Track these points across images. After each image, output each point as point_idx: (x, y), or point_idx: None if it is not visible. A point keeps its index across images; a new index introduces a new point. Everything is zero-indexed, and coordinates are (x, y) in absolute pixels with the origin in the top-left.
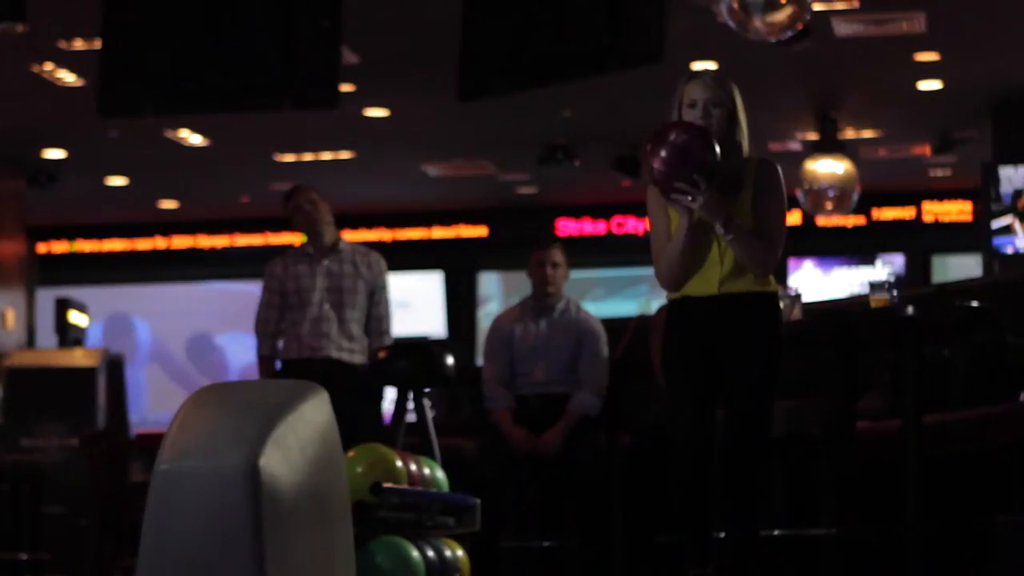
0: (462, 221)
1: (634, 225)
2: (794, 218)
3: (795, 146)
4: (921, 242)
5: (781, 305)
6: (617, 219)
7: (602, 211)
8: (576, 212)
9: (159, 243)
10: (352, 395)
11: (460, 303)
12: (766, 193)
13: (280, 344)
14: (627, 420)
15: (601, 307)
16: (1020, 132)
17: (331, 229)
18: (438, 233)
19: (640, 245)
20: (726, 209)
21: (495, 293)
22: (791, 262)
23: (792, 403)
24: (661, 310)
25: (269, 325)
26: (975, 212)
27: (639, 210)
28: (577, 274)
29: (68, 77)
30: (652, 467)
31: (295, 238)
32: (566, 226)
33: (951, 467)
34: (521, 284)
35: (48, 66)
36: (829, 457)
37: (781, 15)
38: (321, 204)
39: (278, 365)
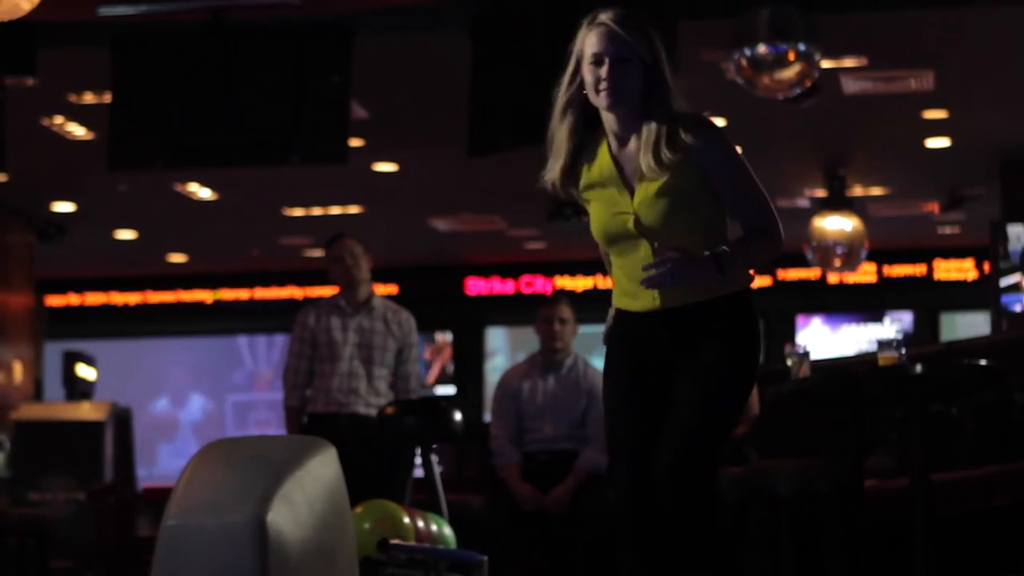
0: (470, 275)
1: None
2: (803, 274)
3: (803, 203)
4: (929, 299)
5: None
6: None
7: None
8: (585, 268)
9: (168, 296)
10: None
11: (468, 359)
12: (722, 164)
13: (308, 395)
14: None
15: None
16: None
17: (367, 285)
18: (446, 288)
19: None
20: (704, 262)
21: (501, 347)
22: (799, 319)
23: (800, 461)
24: None
25: (299, 376)
26: (983, 269)
27: None
28: (586, 328)
29: (78, 130)
30: None
31: (306, 291)
32: (573, 281)
33: (960, 526)
34: (527, 338)
35: (58, 119)
36: (837, 515)
37: (790, 72)
38: (363, 260)
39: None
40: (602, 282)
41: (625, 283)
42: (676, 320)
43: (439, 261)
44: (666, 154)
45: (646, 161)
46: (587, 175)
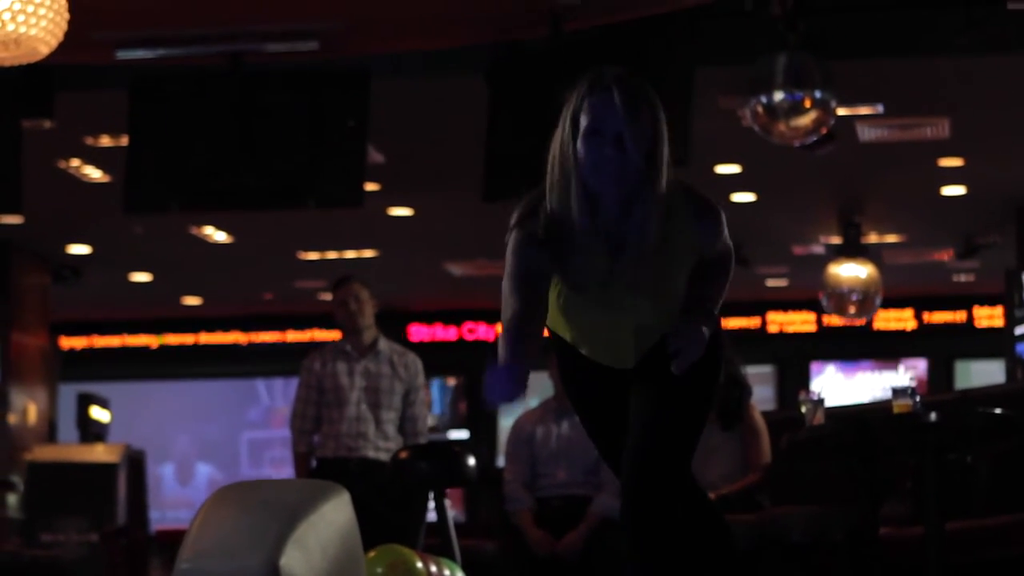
0: (484, 320)
1: None
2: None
3: (819, 250)
4: (944, 347)
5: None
6: None
7: None
8: None
9: (183, 339)
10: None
11: (482, 404)
12: (716, 244)
13: (316, 440)
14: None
15: None
16: None
17: (372, 330)
18: (461, 332)
19: None
20: (705, 320)
21: None
22: (814, 366)
23: (814, 508)
24: None
25: (307, 421)
26: (999, 317)
27: None
28: None
29: (94, 173)
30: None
31: (318, 335)
32: None
33: (974, 575)
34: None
35: (75, 162)
36: (851, 563)
37: (805, 119)
38: (367, 305)
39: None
40: None
41: (584, 339)
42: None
43: (451, 305)
44: (658, 232)
45: (641, 233)
46: (568, 245)
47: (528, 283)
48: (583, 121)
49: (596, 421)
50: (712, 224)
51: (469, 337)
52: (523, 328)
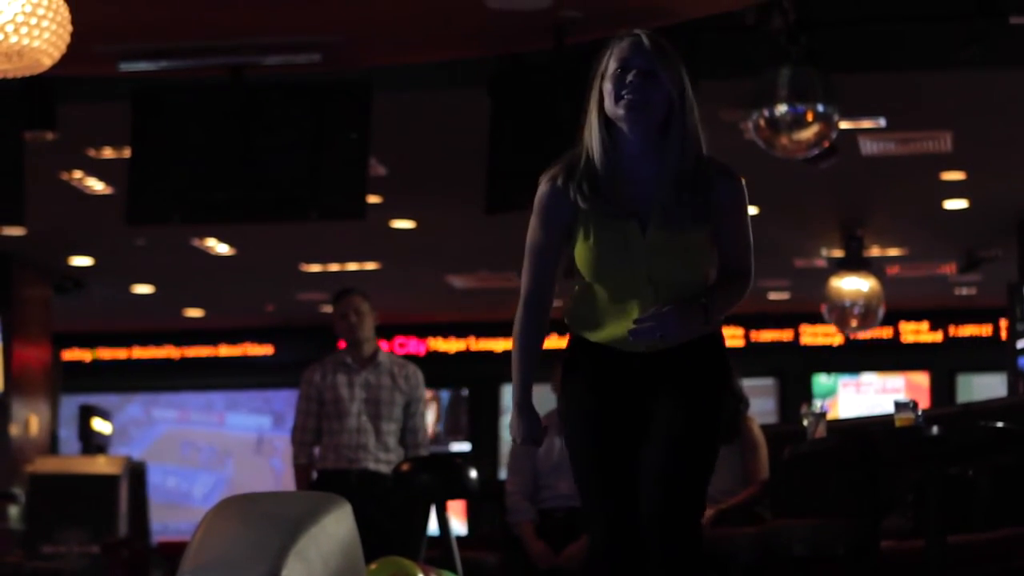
0: (487, 333)
1: None
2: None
3: (821, 263)
4: (946, 361)
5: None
6: None
7: None
8: None
9: (184, 351)
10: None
11: (483, 416)
12: (735, 217)
13: (316, 452)
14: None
15: None
16: None
17: (371, 342)
18: (463, 345)
19: None
20: (694, 312)
21: None
22: (816, 379)
23: (815, 521)
24: None
25: (307, 434)
26: (1000, 331)
27: None
28: None
29: (97, 185)
30: None
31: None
32: None
33: None
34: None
35: (77, 174)
36: None
37: (808, 133)
38: (367, 318)
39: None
40: None
41: (603, 315)
42: (653, 359)
43: (455, 318)
44: (686, 198)
45: (666, 198)
46: (596, 200)
47: (544, 256)
48: (611, 66)
49: (592, 449)
50: (731, 183)
51: (472, 349)
52: (532, 352)
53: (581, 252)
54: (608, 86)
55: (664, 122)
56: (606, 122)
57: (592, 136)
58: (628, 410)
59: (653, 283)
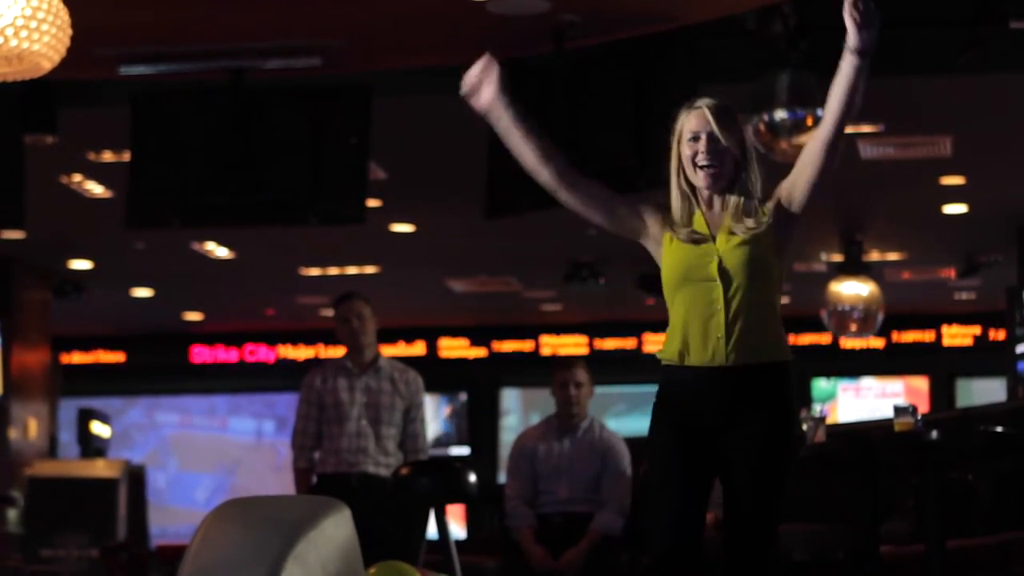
0: (486, 337)
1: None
2: (819, 338)
3: (820, 267)
4: (945, 365)
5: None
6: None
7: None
8: (600, 330)
9: (184, 355)
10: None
11: (483, 420)
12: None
13: (316, 456)
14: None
15: (622, 423)
16: None
17: (373, 347)
18: (462, 349)
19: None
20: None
21: (514, 407)
22: (815, 384)
23: (815, 526)
24: None
25: (307, 438)
26: (1000, 336)
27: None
28: (600, 389)
29: (96, 188)
30: None
31: (320, 351)
32: (587, 343)
33: None
34: (541, 399)
35: (77, 177)
36: None
37: (807, 137)
38: (368, 322)
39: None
40: (615, 344)
41: (687, 332)
42: (728, 384)
43: (453, 322)
44: (749, 222)
45: (734, 220)
46: (674, 219)
47: (622, 200)
48: (684, 134)
49: (665, 475)
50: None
51: (471, 353)
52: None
53: (667, 260)
54: (686, 151)
55: (733, 175)
56: (685, 177)
57: (673, 190)
58: (700, 447)
59: (726, 279)
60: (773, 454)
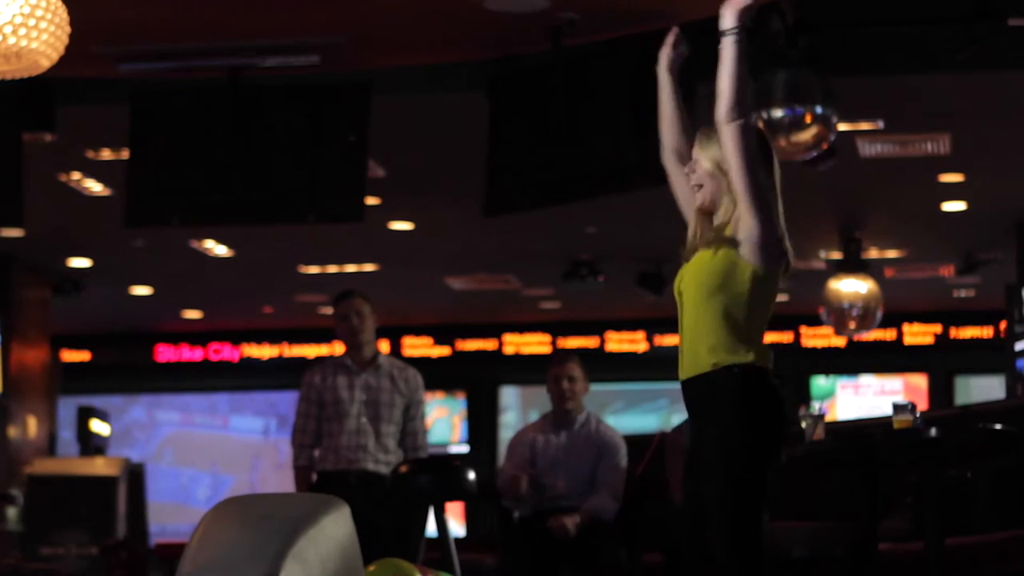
0: (485, 335)
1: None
2: (818, 336)
3: (819, 265)
4: (944, 363)
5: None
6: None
7: (631, 327)
8: (597, 328)
9: (182, 353)
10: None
11: (482, 418)
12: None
13: (316, 454)
14: (649, 537)
15: (620, 420)
16: None
17: (372, 345)
18: (461, 346)
19: (664, 361)
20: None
21: (513, 404)
22: (813, 381)
23: (814, 524)
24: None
25: (307, 436)
26: (999, 333)
27: (658, 327)
28: (597, 387)
29: (95, 186)
30: None
31: (319, 350)
32: (586, 341)
33: None
34: (539, 397)
35: (75, 175)
36: None
37: (806, 135)
38: (368, 320)
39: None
40: (620, 343)
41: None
42: (687, 396)
43: (450, 320)
44: (709, 235)
45: (703, 238)
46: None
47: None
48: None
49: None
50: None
51: (470, 350)
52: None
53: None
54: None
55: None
56: None
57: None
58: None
59: (683, 297)
60: (717, 461)
